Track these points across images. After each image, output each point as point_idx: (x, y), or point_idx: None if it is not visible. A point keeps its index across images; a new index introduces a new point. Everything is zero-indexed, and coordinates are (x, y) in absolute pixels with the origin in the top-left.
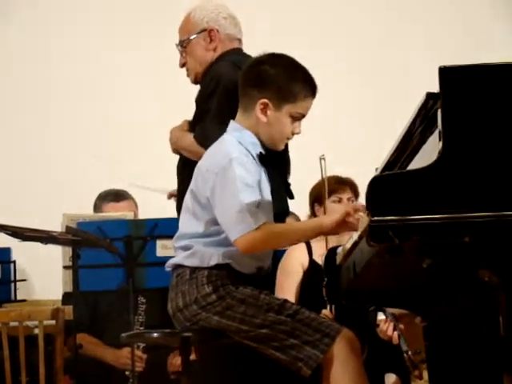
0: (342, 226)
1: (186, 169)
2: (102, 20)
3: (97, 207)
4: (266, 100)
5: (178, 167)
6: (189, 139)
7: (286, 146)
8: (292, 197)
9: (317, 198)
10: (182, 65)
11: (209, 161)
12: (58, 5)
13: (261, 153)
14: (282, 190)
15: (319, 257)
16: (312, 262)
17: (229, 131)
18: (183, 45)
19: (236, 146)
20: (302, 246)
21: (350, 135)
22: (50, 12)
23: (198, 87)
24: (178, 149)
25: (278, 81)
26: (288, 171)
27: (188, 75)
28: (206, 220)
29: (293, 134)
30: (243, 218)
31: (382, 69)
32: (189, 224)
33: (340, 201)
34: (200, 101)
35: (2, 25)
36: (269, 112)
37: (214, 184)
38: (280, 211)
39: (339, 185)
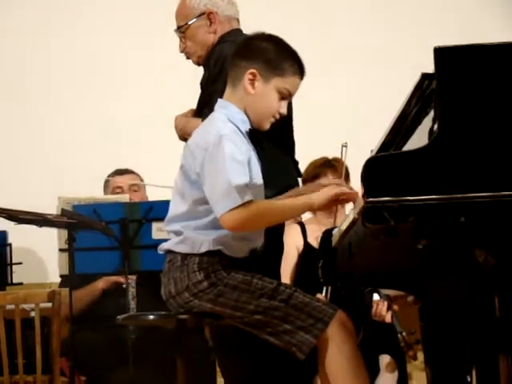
0: (331, 204)
1: None
2: (104, 17)
3: (105, 185)
4: (254, 70)
5: None
6: (197, 123)
7: (291, 126)
8: (300, 175)
9: (304, 181)
10: (183, 50)
11: (198, 137)
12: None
13: (250, 130)
14: (290, 167)
15: (314, 239)
16: (307, 244)
17: (216, 108)
18: (182, 30)
19: (226, 122)
20: (297, 229)
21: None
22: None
23: (198, 78)
24: (185, 134)
25: (267, 53)
26: (293, 151)
27: (188, 58)
28: (194, 199)
29: (279, 113)
30: (229, 194)
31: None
32: (177, 205)
33: None
34: (206, 84)
35: (2, 18)
36: (257, 83)
37: (203, 160)
38: (288, 187)
39: (321, 168)
